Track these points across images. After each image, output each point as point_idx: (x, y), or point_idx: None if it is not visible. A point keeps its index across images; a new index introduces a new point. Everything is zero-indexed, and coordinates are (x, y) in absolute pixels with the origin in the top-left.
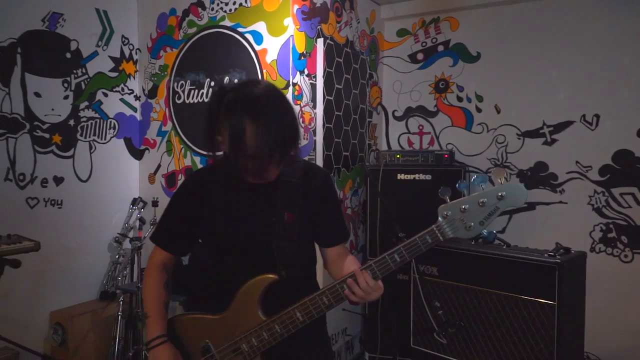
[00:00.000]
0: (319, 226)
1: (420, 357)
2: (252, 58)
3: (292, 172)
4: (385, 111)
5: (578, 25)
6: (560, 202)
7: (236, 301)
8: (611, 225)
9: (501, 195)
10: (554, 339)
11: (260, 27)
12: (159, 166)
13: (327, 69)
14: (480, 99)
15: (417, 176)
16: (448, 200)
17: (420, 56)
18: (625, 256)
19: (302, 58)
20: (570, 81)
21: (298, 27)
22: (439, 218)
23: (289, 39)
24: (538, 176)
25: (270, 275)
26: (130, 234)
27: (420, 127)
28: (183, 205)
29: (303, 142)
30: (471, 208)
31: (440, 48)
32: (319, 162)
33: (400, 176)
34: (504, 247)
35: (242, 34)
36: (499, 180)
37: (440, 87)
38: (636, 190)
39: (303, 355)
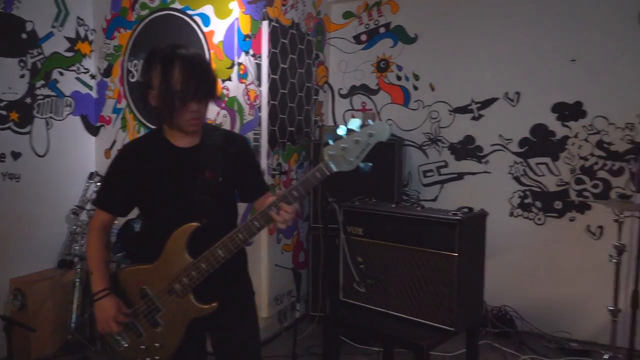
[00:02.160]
0: (244, 185)
1: (348, 308)
2: (201, 39)
3: (213, 138)
4: (331, 89)
5: (504, 11)
6: (485, 172)
7: (166, 249)
8: (527, 192)
9: (370, 133)
10: (455, 284)
11: (208, 10)
12: (114, 142)
13: (272, 50)
14: (417, 77)
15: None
16: (331, 143)
17: (363, 37)
18: (539, 219)
19: (247, 39)
20: (496, 61)
21: (243, 10)
22: (325, 157)
23: (234, 21)
24: (466, 149)
25: (193, 224)
26: (87, 207)
27: (363, 104)
28: (119, 171)
29: (248, 117)
30: (349, 146)
31: (382, 30)
32: (264, 136)
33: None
34: (419, 208)
35: (190, 16)
36: (369, 122)
37: (382, 66)
38: (549, 160)
39: (226, 289)
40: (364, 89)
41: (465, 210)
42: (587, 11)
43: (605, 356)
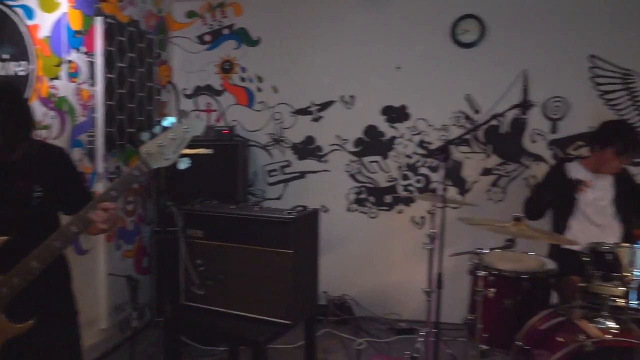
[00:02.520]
0: (65, 197)
1: (189, 311)
2: (23, 33)
3: (29, 151)
4: (175, 89)
5: (339, 20)
6: (325, 170)
7: None
8: (362, 188)
9: (186, 129)
10: (290, 280)
11: (31, 1)
12: None
13: (108, 48)
14: (260, 79)
15: (199, 150)
16: (147, 141)
17: (207, 38)
18: (373, 213)
19: (78, 36)
20: (333, 67)
21: (72, 4)
22: (142, 155)
23: (62, 15)
24: (307, 148)
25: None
26: None
27: (208, 105)
28: None
29: (80, 118)
30: (165, 143)
31: (226, 31)
32: (100, 138)
33: (184, 151)
34: (257, 208)
35: (11, 7)
36: (182, 119)
37: (226, 67)
38: (380, 159)
39: (44, 306)
40: (209, 90)
41: (300, 208)
42: (410, 25)
43: (422, 332)
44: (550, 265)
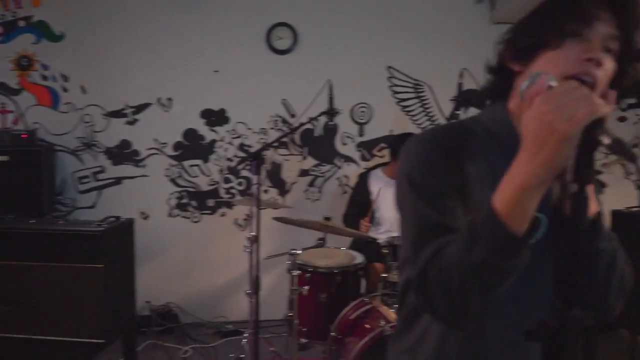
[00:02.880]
0: None
1: None
2: None
3: None
4: None
5: (152, 18)
6: (143, 175)
7: None
8: (184, 193)
9: None
10: (103, 296)
11: None
12: None
13: None
14: (66, 78)
15: None
16: None
17: None
18: (195, 217)
19: None
20: (148, 68)
21: None
22: None
23: None
24: (123, 153)
25: None
26: None
27: (3, 105)
28: None
29: None
30: None
31: (22, 23)
32: None
33: None
34: (61, 222)
35: None
36: None
37: (23, 64)
38: (201, 162)
39: None
40: (3, 89)
41: (111, 219)
42: (226, 29)
43: (246, 333)
44: (359, 258)
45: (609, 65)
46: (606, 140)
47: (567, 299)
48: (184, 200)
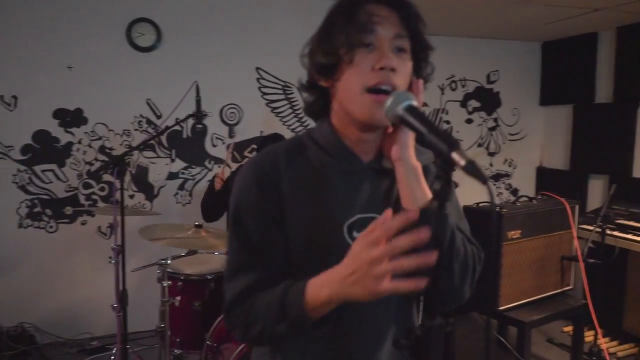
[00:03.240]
0: None
1: None
2: None
3: None
4: None
5: None
6: None
7: None
8: (36, 201)
9: None
10: None
11: None
12: None
13: None
14: None
15: None
16: None
17: None
18: (51, 227)
19: None
20: None
21: None
22: None
23: None
24: None
25: None
26: None
27: None
28: None
29: None
30: None
31: None
32: None
33: None
34: None
35: None
36: None
37: None
38: (55, 167)
39: None
40: None
41: None
42: (81, 20)
43: (114, 348)
44: None
45: (404, 65)
46: (462, 162)
47: (430, 311)
48: (37, 209)
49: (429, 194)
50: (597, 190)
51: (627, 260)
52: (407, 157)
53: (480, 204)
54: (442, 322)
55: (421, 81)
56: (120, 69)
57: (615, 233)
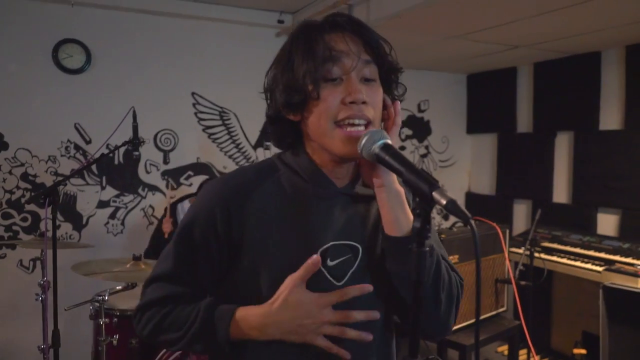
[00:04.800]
0: None
1: None
2: None
3: None
4: None
5: None
6: None
7: None
8: None
9: None
10: None
11: None
12: None
13: None
14: None
15: None
16: None
17: None
18: None
19: None
20: None
21: None
22: None
23: None
24: None
25: None
26: None
27: None
28: None
29: None
30: None
31: None
32: None
33: None
34: None
35: None
36: None
37: None
38: None
39: None
40: None
41: None
42: (2, 39)
43: None
44: None
45: (374, 94)
46: (443, 201)
47: (412, 350)
48: None
49: (412, 219)
50: (521, 215)
51: (553, 281)
52: (391, 182)
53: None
54: None
55: (398, 103)
56: (46, 92)
57: (542, 255)
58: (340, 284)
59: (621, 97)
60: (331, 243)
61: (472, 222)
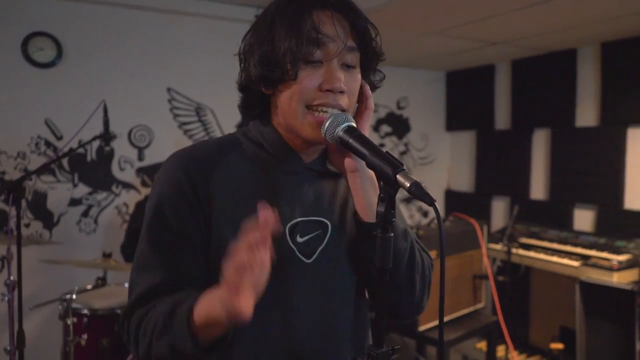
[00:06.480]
0: None
1: None
2: None
3: None
4: None
5: None
6: None
7: None
8: None
9: None
10: None
11: None
12: None
13: None
14: None
15: None
16: None
17: None
18: None
19: None
20: None
21: None
22: None
23: None
24: None
25: None
26: None
27: None
28: None
29: None
30: None
31: None
32: None
33: None
34: None
35: None
36: None
37: None
38: None
39: None
40: None
41: None
42: None
43: None
44: None
45: (353, 81)
46: (407, 184)
47: (377, 340)
48: None
49: None
50: (500, 211)
51: (530, 276)
52: (364, 166)
53: None
54: (388, 350)
55: (366, 86)
56: (15, 86)
57: (520, 251)
58: (310, 260)
59: (597, 94)
60: (300, 219)
61: (437, 205)
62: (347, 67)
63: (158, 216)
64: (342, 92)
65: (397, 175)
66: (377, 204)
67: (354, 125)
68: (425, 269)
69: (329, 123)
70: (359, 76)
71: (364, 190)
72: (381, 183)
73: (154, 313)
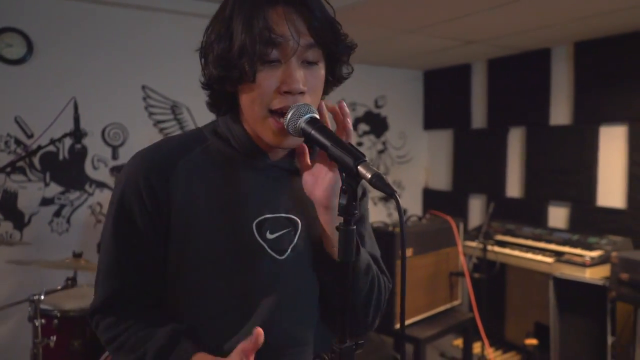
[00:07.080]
0: None
1: None
2: None
3: None
4: None
5: None
6: None
7: None
8: None
9: None
10: None
11: None
12: None
13: None
14: None
15: None
16: None
17: None
18: None
19: None
20: None
21: None
22: None
23: None
24: None
25: None
26: None
27: None
28: None
29: None
30: None
31: None
32: None
33: None
34: None
35: None
36: None
37: None
38: None
39: None
40: None
41: None
42: None
43: None
44: None
45: (314, 79)
46: (368, 175)
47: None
48: None
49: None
50: (476, 209)
51: (506, 273)
52: (336, 205)
53: (374, 224)
54: (351, 345)
55: (343, 104)
56: None
57: (495, 248)
58: (282, 258)
59: (570, 92)
60: (268, 215)
61: (397, 196)
62: (308, 63)
63: (119, 219)
64: (302, 92)
65: (358, 167)
66: (339, 196)
67: (317, 116)
68: (382, 295)
69: (292, 114)
70: (322, 72)
71: (333, 227)
72: (343, 175)
73: (134, 339)
